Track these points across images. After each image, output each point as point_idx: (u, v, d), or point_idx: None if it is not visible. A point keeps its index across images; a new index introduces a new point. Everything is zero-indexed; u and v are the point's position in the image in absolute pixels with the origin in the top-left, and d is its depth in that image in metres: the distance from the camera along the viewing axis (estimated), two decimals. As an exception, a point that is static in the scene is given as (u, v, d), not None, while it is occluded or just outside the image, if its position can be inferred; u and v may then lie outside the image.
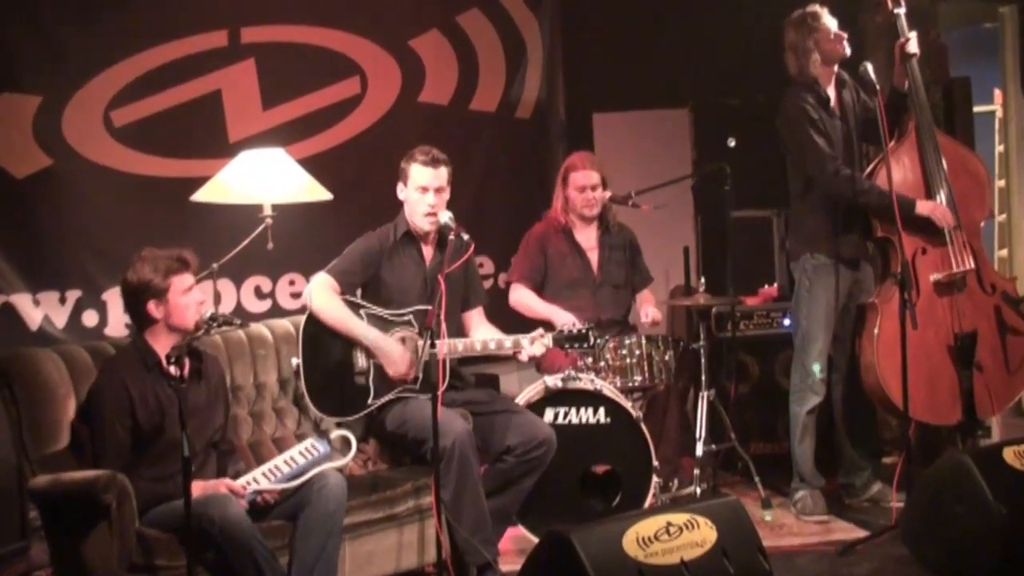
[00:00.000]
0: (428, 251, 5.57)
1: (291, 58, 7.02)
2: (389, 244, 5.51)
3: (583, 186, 6.42)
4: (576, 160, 6.53)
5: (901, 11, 5.91)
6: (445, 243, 5.34)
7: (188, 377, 4.61)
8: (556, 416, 5.68)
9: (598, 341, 5.49)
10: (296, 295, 6.88)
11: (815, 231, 6.03)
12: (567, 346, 5.42)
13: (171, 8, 6.65)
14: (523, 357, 5.41)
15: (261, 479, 4.64)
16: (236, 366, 5.43)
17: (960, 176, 6.00)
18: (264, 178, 6.01)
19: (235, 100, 6.79)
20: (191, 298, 4.64)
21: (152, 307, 4.59)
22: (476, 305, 5.72)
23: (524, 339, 5.37)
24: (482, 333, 5.58)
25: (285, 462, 4.73)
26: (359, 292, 5.54)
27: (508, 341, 5.41)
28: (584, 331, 5.40)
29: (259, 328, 5.63)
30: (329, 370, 5.30)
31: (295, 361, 5.34)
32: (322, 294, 5.34)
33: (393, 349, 5.30)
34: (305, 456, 4.76)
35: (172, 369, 4.30)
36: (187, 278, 4.63)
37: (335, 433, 5.00)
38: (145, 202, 6.50)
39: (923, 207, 5.85)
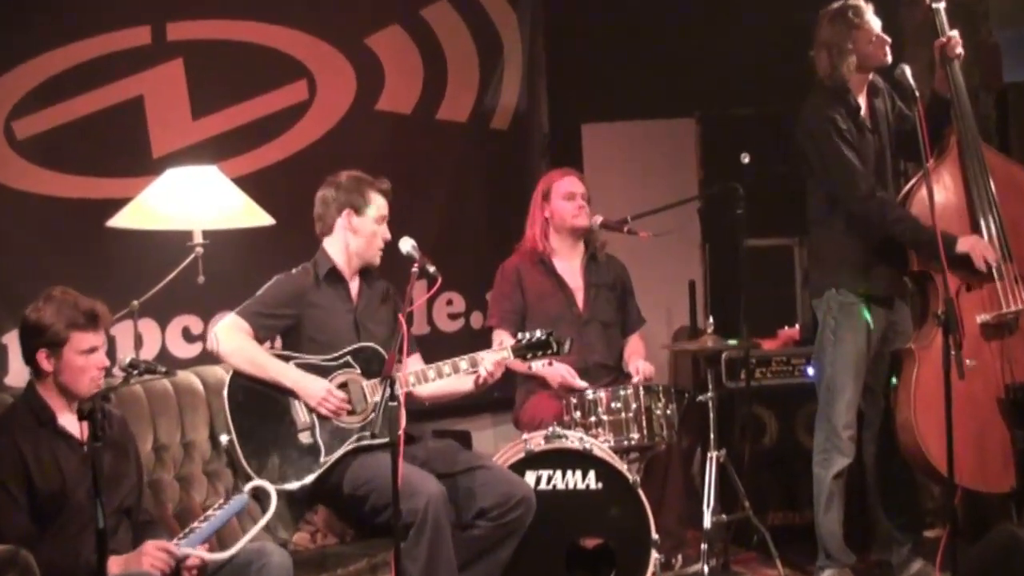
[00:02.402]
0: (355, 288, 5.76)
1: (226, 59, 7.03)
2: (310, 284, 5.67)
3: (571, 192, 6.57)
4: (556, 172, 6.77)
5: (940, 5, 5.96)
6: (372, 276, 5.76)
7: (89, 437, 4.62)
8: (539, 480, 5.70)
9: (563, 347, 5.59)
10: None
11: (841, 262, 6.05)
12: (529, 355, 5.61)
13: (85, 0, 6.66)
14: (482, 371, 5.55)
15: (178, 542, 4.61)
16: (160, 422, 5.46)
17: (1012, 199, 6.01)
18: (194, 200, 6.03)
19: (160, 108, 6.78)
20: (90, 362, 4.63)
21: (42, 357, 4.61)
22: (410, 353, 5.82)
23: (481, 355, 5.57)
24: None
25: (200, 520, 4.72)
26: (279, 343, 5.67)
27: (464, 361, 5.55)
28: (545, 337, 5.60)
29: (188, 377, 5.66)
30: (268, 434, 5.39)
31: (225, 438, 5.43)
32: (230, 335, 5.47)
33: (314, 384, 5.43)
34: (221, 507, 4.75)
35: (84, 426, 4.28)
36: (90, 338, 4.62)
37: (250, 484, 5.02)
38: (54, 228, 6.45)
39: (964, 244, 5.84)
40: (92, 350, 4.63)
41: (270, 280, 5.68)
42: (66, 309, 4.60)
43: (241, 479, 5.44)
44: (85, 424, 4.37)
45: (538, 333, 5.62)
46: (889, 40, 6.00)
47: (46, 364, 4.61)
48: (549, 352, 5.60)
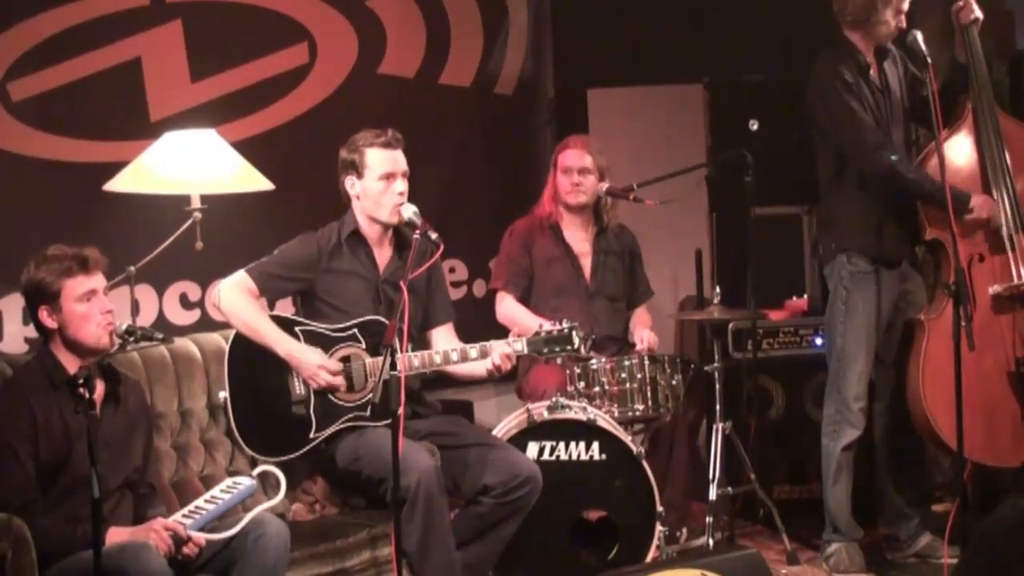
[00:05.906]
0: (382, 256, 5.63)
1: (226, 20, 7.00)
2: (330, 248, 5.55)
3: (569, 167, 6.52)
4: (569, 139, 6.67)
5: (955, -32, 5.95)
6: (406, 244, 5.48)
7: (102, 402, 4.62)
8: (541, 451, 5.71)
9: (586, 342, 5.50)
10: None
11: (852, 229, 6.03)
12: (546, 350, 5.44)
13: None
14: (490, 365, 5.43)
15: (184, 521, 4.60)
16: (157, 390, 5.47)
17: (1027, 169, 6.00)
18: (192, 164, 6.00)
19: (158, 70, 6.75)
20: (92, 307, 4.61)
21: (45, 315, 4.60)
22: (443, 322, 5.78)
23: (492, 345, 5.43)
24: None
25: (207, 500, 4.72)
26: (295, 309, 5.61)
27: (474, 350, 5.43)
28: (566, 331, 5.41)
29: (185, 344, 5.67)
30: (262, 401, 5.36)
31: (222, 395, 5.38)
32: (232, 293, 5.40)
33: (308, 356, 5.33)
34: (229, 491, 4.75)
35: (82, 392, 4.27)
36: (82, 281, 4.60)
37: (259, 469, 5.02)
38: (50, 192, 6.45)
39: (976, 200, 5.85)
40: (90, 294, 4.61)
41: (294, 238, 5.59)
42: (55, 262, 4.59)
43: (239, 445, 5.43)
44: (99, 386, 4.40)
45: (563, 325, 5.42)
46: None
47: (49, 321, 4.60)
48: (568, 348, 5.43)
